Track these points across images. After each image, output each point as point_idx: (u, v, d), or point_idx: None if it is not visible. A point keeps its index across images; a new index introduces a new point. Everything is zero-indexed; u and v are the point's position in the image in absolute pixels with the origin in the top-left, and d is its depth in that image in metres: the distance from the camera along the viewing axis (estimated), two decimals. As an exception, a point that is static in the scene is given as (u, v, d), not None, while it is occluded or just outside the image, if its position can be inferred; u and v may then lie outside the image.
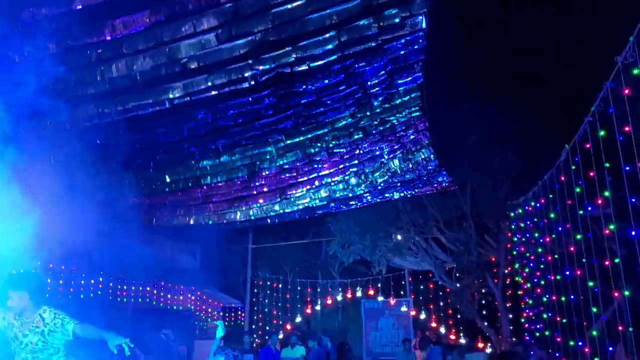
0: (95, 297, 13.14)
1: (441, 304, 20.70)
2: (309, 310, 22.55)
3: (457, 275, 18.42)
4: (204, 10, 5.53)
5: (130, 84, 6.31)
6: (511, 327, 16.12)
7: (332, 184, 11.24)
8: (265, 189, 10.78)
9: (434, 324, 20.43)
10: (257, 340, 20.61)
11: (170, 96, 6.65)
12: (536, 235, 11.85)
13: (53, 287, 11.22)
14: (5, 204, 5.72)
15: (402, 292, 21.47)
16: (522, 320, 14.87)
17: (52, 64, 5.81)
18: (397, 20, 5.95)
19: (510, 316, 16.32)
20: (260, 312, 22.65)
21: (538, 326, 12.61)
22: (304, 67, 6.49)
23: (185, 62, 6.10)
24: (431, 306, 20.99)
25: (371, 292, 21.16)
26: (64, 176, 6.87)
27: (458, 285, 17.90)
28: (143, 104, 6.75)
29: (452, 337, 20.09)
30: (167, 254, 16.35)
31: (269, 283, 22.66)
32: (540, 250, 11.71)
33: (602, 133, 6.50)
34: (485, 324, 17.49)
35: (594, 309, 8.26)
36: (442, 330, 20.25)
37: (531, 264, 12.81)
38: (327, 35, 6.06)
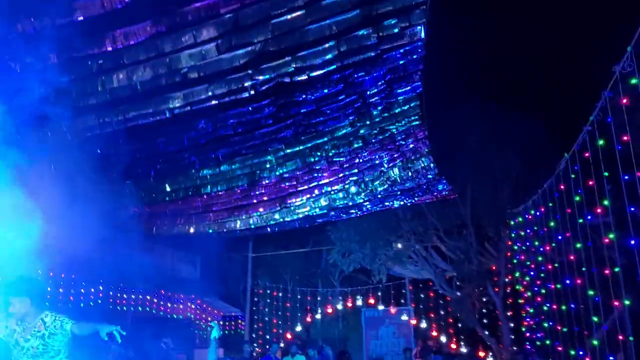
0: (95, 306, 13.12)
1: (442, 312, 20.64)
2: (309, 319, 22.48)
3: (458, 283, 18.38)
4: (204, 21, 5.58)
5: (131, 94, 6.36)
6: (512, 336, 16.06)
7: (332, 192, 11.26)
8: (265, 198, 10.79)
9: (434, 333, 20.35)
10: (257, 349, 20.55)
11: (171, 106, 6.70)
12: (536, 243, 11.84)
13: (53, 295, 11.21)
14: (7, 212, 5.75)
15: (402, 301, 21.41)
16: (523, 329, 14.83)
17: (53, 74, 5.85)
18: (396, 30, 6.01)
19: (511, 325, 16.26)
20: (261, 320, 22.58)
21: (539, 335, 12.57)
22: (304, 77, 6.54)
23: (185, 72, 6.15)
24: (432, 315, 20.93)
25: (371, 301, 21.10)
26: (65, 185, 6.89)
27: (458, 293, 17.86)
28: (144, 113, 6.80)
29: (453, 346, 20.02)
30: (167, 263, 16.34)
31: (269, 292, 22.61)
32: (540, 258, 11.70)
33: (601, 142, 6.52)
34: (486, 332, 17.42)
35: (595, 318, 8.25)
36: (443, 339, 20.18)
37: (532, 273, 12.80)
38: (327, 45, 6.12)
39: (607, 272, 7.38)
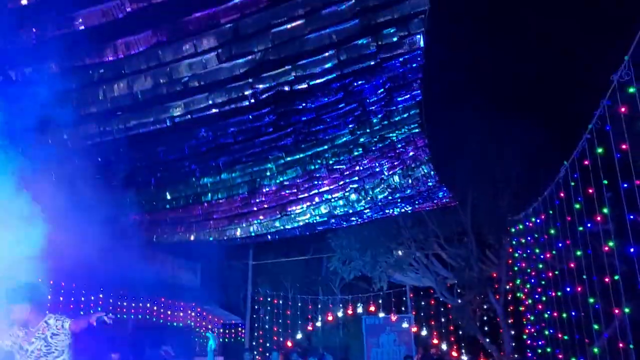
0: (95, 314, 13.07)
1: (442, 320, 20.60)
2: (309, 327, 22.43)
3: (459, 291, 18.36)
4: (205, 31, 5.61)
5: (131, 102, 6.39)
6: (513, 344, 16.01)
7: (332, 200, 11.27)
8: (265, 206, 10.80)
9: (435, 341, 20.30)
10: (257, 357, 20.50)
11: (171, 115, 6.74)
12: (537, 251, 11.83)
13: (53, 303, 11.19)
14: (8, 219, 5.77)
15: (403, 309, 21.38)
16: (524, 336, 14.78)
17: (55, 84, 5.88)
18: (395, 39, 6.04)
19: (512, 332, 16.22)
20: (261, 328, 22.53)
21: (540, 343, 12.53)
22: (304, 86, 6.58)
23: (186, 81, 6.19)
24: (432, 322, 20.89)
25: (372, 309, 21.07)
26: (66, 193, 6.92)
27: (459, 301, 17.83)
28: (144, 122, 6.84)
29: (454, 354, 19.96)
30: (167, 271, 16.32)
31: (269, 299, 22.58)
32: (541, 266, 11.69)
33: (600, 150, 6.54)
34: (487, 340, 17.38)
35: (595, 326, 8.23)
36: (444, 346, 20.12)
37: (532, 280, 12.78)
38: (327, 54, 6.15)
39: (607, 279, 7.37)
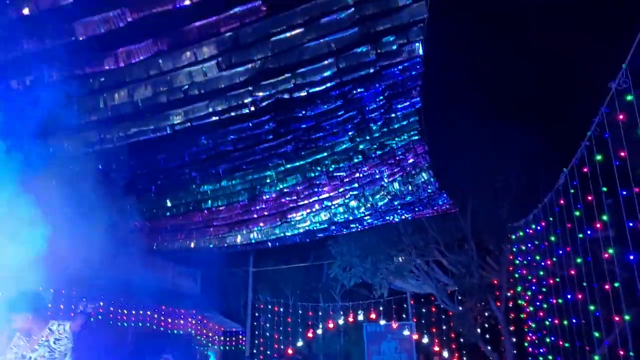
0: (95, 321, 13.07)
1: (444, 327, 20.54)
2: (310, 334, 22.37)
3: (460, 298, 18.32)
4: (205, 40, 5.64)
5: (132, 111, 6.42)
6: (515, 351, 15.96)
7: (332, 207, 11.28)
8: (265, 213, 10.82)
9: (436, 348, 20.23)
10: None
11: (172, 122, 6.76)
12: (537, 258, 11.82)
13: (54, 311, 11.18)
14: (8, 228, 5.79)
15: (404, 316, 21.33)
16: (526, 344, 14.73)
17: (55, 92, 5.91)
18: (394, 47, 6.07)
19: (514, 340, 16.17)
20: (262, 336, 22.47)
21: (541, 350, 12.49)
22: (303, 94, 6.61)
23: (186, 90, 6.21)
24: (434, 330, 20.82)
25: (373, 316, 21.01)
26: (66, 201, 6.94)
27: (460, 308, 17.79)
28: (145, 130, 6.87)
29: (455, 361, 19.91)
30: (167, 278, 16.31)
31: (270, 307, 22.53)
32: (541, 273, 11.68)
33: (599, 157, 6.56)
34: (489, 348, 17.32)
35: (596, 334, 8.21)
36: (445, 354, 20.05)
37: (533, 287, 12.76)
38: (326, 62, 6.18)
39: (607, 287, 7.37)
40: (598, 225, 7.29)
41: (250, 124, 7.45)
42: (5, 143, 6.08)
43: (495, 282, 16.48)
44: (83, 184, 7.54)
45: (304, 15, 5.50)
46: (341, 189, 10.42)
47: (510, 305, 16.39)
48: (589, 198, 7.19)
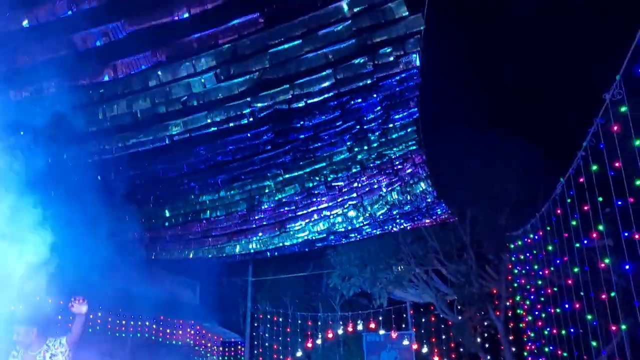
0: (93, 332, 13.04)
1: (443, 337, 20.48)
2: (309, 344, 22.28)
3: (459, 307, 18.28)
4: (204, 51, 5.69)
5: (131, 121, 6.47)
6: (514, 361, 15.93)
7: (331, 216, 11.30)
8: (264, 223, 10.83)
9: (436, 358, 20.15)
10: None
11: (171, 133, 6.81)
12: (536, 267, 11.83)
13: (52, 322, 11.16)
14: (9, 238, 5.80)
15: (403, 325, 21.26)
16: (525, 353, 14.69)
17: (54, 103, 5.95)
18: (391, 58, 6.11)
19: (513, 349, 16.12)
20: (261, 346, 22.37)
21: (541, 360, 12.47)
22: (302, 104, 6.66)
23: (185, 100, 6.26)
24: (433, 339, 20.75)
25: (372, 325, 20.94)
26: (65, 211, 6.95)
27: (460, 317, 17.75)
28: (143, 140, 6.91)
29: (455, 371, 19.83)
30: (166, 288, 16.29)
31: (269, 316, 22.45)
32: (540, 282, 11.68)
33: (594, 168, 6.60)
34: (488, 357, 17.27)
35: (594, 343, 8.21)
36: (445, 364, 19.98)
37: (532, 297, 12.75)
38: (324, 73, 6.22)
39: (603, 296, 7.38)
40: (594, 235, 7.31)
41: (249, 135, 7.49)
42: (5, 154, 6.12)
43: (495, 291, 16.46)
44: (82, 195, 7.56)
45: (301, 27, 5.55)
46: (340, 199, 10.44)
47: (510, 314, 16.36)
48: (585, 208, 7.21)
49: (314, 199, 10.20)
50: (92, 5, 4.94)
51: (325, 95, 6.60)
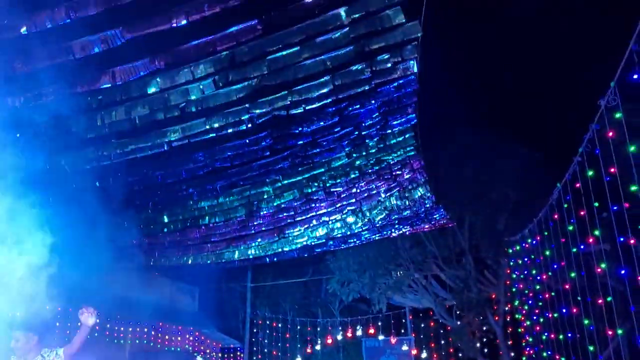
0: (91, 338, 13.00)
1: (442, 342, 20.45)
2: (309, 350, 22.23)
3: (458, 312, 18.27)
4: (202, 58, 5.72)
5: (129, 128, 6.49)
6: (513, 366, 15.91)
7: (330, 222, 11.32)
8: (263, 228, 10.85)
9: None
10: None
11: (169, 139, 6.83)
12: (534, 272, 11.85)
13: (51, 329, 11.15)
14: (7, 243, 5.81)
15: (402, 331, 21.24)
16: (524, 358, 14.68)
17: (52, 110, 5.97)
18: (389, 65, 6.15)
19: (512, 354, 16.11)
20: (260, 352, 22.32)
21: (539, 364, 12.47)
22: (300, 110, 6.69)
23: (183, 107, 6.29)
24: (432, 345, 20.72)
25: (372, 331, 20.91)
26: (63, 217, 6.96)
27: (459, 322, 17.74)
28: (142, 147, 6.94)
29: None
30: (165, 294, 16.28)
31: (268, 322, 22.41)
32: (538, 287, 11.70)
33: (590, 173, 6.63)
34: (487, 362, 17.26)
35: (591, 348, 8.22)
36: (444, 369, 19.94)
37: (530, 301, 12.77)
38: (322, 79, 6.26)
39: (600, 301, 7.39)
40: (590, 240, 7.34)
41: (247, 141, 7.52)
42: (3, 160, 6.13)
43: (493, 296, 16.47)
44: (80, 201, 7.58)
45: (299, 34, 5.59)
46: (338, 205, 10.46)
47: (508, 319, 16.36)
48: (582, 213, 7.25)
49: (313, 205, 10.22)
50: (90, 12, 4.98)
51: (324, 102, 6.63)
